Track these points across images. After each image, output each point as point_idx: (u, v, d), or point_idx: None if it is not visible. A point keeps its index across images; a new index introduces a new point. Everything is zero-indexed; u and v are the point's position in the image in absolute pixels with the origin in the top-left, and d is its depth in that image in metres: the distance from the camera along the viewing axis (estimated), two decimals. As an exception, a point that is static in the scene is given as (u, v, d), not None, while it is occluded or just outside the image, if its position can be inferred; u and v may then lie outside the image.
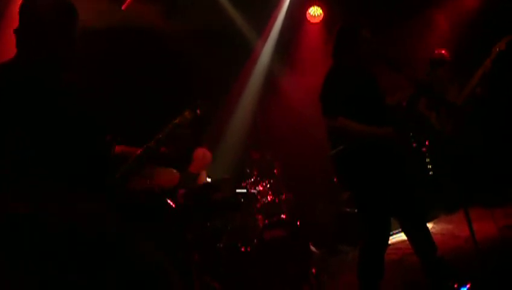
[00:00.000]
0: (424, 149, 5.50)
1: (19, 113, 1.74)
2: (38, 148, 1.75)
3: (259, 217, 4.35)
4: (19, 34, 1.86)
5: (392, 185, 2.84)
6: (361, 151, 2.79)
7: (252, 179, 4.54)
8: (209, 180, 4.90)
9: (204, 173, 5.05)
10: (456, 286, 2.78)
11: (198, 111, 2.25)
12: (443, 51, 5.13)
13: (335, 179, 3.22)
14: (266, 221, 4.23)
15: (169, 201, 4.25)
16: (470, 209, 2.91)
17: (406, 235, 3.02)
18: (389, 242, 4.79)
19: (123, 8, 4.99)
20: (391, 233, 5.05)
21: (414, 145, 5.31)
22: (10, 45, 1.88)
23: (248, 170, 4.66)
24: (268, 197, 4.44)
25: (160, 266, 1.88)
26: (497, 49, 3.63)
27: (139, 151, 2.10)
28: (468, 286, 2.76)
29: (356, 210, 3.09)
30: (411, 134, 5.20)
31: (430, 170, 5.60)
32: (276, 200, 4.43)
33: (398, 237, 5.02)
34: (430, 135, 5.03)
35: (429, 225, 4.49)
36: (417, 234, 2.95)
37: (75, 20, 1.90)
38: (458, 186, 3.89)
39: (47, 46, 1.84)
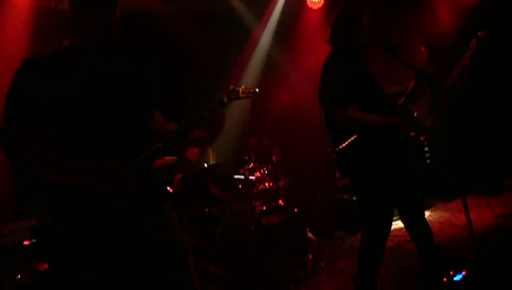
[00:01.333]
0: (422, 138, 5.52)
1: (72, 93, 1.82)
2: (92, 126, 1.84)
3: (257, 203, 4.36)
4: (69, 22, 1.94)
5: (395, 175, 2.84)
6: (371, 142, 2.76)
7: (250, 166, 4.53)
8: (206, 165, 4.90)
9: (211, 153, 5.08)
10: (451, 273, 2.81)
11: (240, 93, 2.23)
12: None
13: (337, 174, 3.18)
14: (264, 207, 4.24)
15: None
16: (467, 197, 2.93)
17: (403, 222, 3.04)
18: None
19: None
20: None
21: (412, 134, 5.31)
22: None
23: (246, 157, 4.65)
24: (266, 183, 4.44)
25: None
26: (475, 43, 3.60)
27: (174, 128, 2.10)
28: (463, 273, 2.78)
29: (358, 200, 3.08)
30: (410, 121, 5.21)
31: (428, 158, 5.62)
32: (274, 187, 4.44)
33: (394, 224, 5.05)
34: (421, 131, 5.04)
35: (426, 213, 4.51)
36: (414, 221, 2.97)
37: (117, 3, 1.98)
38: (455, 175, 3.91)
39: (97, 30, 1.93)
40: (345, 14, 3.03)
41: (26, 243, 3.46)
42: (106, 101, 1.89)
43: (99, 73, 1.93)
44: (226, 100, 2.17)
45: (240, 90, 2.24)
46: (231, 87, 2.26)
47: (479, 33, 3.32)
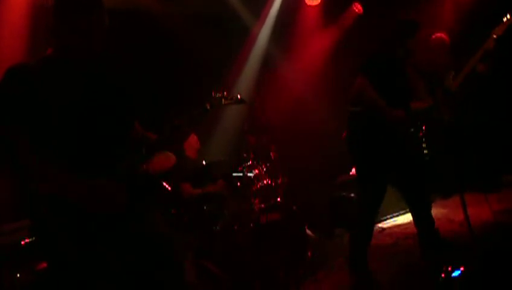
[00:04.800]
0: (420, 134, 5.51)
1: (59, 100, 1.83)
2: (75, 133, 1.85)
3: (256, 200, 4.36)
4: (54, 30, 1.95)
5: (399, 160, 3.24)
6: (377, 127, 3.14)
7: (249, 163, 4.53)
8: (204, 163, 4.91)
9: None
10: (449, 269, 2.82)
11: (223, 101, 2.28)
12: (443, 35, 5.09)
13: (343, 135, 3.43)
14: (262, 205, 4.25)
15: (164, 184, 4.26)
16: (465, 194, 2.94)
17: (408, 206, 3.43)
18: (384, 226, 4.88)
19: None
20: (385, 218, 5.12)
21: (411, 130, 5.31)
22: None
23: (245, 154, 4.65)
24: (265, 181, 4.44)
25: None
26: (494, 35, 3.62)
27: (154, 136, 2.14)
28: (461, 269, 2.79)
29: (360, 181, 3.39)
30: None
31: (426, 155, 5.61)
32: (273, 184, 4.44)
33: (393, 221, 5.07)
34: (428, 121, 5.05)
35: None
36: (417, 205, 3.34)
37: (103, 12, 2.00)
38: (454, 172, 3.92)
39: (77, 38, 1.92)
40: (406, 25, 3.42)
41: (24, 242, 3.47)
42: (88, 110, 1.90)
43: (82, 83, 1.93)
44: (208, 108, 2.26)
45: (223, 99, 2.34)
46: (213, 95, 2.36)
47: (505, 18, 3.38)
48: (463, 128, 4.44)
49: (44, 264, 3.20)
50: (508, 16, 3.42)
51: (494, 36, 3.53)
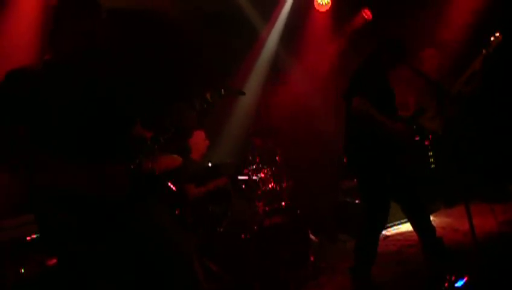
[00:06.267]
0: (426, 142, 5.50)
1: (55, 101, 1.87)
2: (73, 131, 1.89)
3: (260, 204, 4.37)
4: (52, 33, 2.00)
5: (394, 171, 3.27)
6: (376, 139, 3.18)
7: (254, 166, 4.54)
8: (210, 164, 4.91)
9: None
10: (453, 278, 2.81)
11: (222, 91, 2.27)
12: (433, 50, 5.14)
13: (344, 159, 3.46)
14: (266, 208, 4.25)
15: (170, 184, 4.27)
16: (470, 203, 2.94)
17: (407, 216, 3.48)
18: (388, 234, 4.87)
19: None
20: (390, 225, 5.10)
21: (417, 138, 5.31)
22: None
23: (250, 157, 4.66)
24: (270, 184, 4.45)
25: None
26: (484, 51, 3.63)
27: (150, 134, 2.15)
28: (465, 279, 2.79)
29: (361, 191, 3.45)
30: (414, 127, 5.20)
31: (431, 163, 5.60)
32: (277, 188, 4.45)
33: (397, 229, 5.05)
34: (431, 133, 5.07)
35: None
36: (415, 216, 3.39)
37: (99, 14, 2.00)
38: (459, 181, 3.91)
39: (74, 41, 1.95)
40: (397, 44, 3.43)
41: (29, 237, 3.49)
42: (85, 111, 1.93)
43: (79, 87, 1.96)
44: (209, 98, 2.28)
45: (222, 90, 2.35)
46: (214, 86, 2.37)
47: (491, 39, 3.39)
48: (453, 138, 4.45)
49: (49, 260, 3.23)
50: (497, 34, 3.43)
51: (483, 53, 3.54)
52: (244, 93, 2.42)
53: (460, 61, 4.63)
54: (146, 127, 2.22)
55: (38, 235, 3.41)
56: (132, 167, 1.98)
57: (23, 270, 3.41)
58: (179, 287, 2.02)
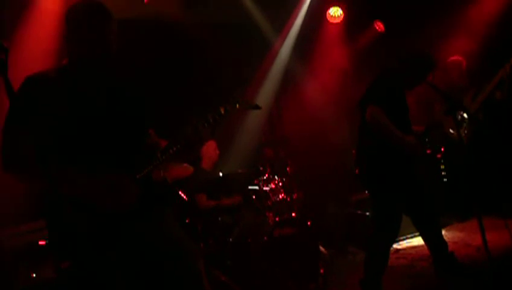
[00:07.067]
0: (439, 156, 5.47)
1: (73, 107, 1.91)
2: (88, 138, 1.91)
3: (270, 214, 4.36)
4: (66, 40, 2.02)
5: (407, 184, 3.24)
6: (389, 152, 3.15)
7: (265, 177, 4.55)
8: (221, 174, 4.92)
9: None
10: (465, 294, 2.78)
11: (237, 105, 2.26)
12: (459, 58, 5.11)
13: (356, 171, 3.44)
14: (277, 218, 4.24)
15: (181, 193, 4.29)
16: (484, 218, 2.89)
17: (418, 230, 3.44)
18: (399, 247, 4.82)
19: (146, 1, 5.02)
20: (401, 238, 5.05)
21: (429, 151, 5.28)
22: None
23: (261, 167, 4.67)
24: (280, 195, 4.44)
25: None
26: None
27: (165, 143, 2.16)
28: (477, 294, 2.75)
29: (372, 203, 3.44)
30: (426, 140, 5.17)
31: (444, 176, 5.55)
32: (288, 199, 4.44)
33: (408, 242, 5.00)
34: (445, 143, 5.04)
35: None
36: (427, 229, 3.36)
37: (109, 20, 2.02)
38: (472, 194, 3.87)
39: (88, 47, 1.97)
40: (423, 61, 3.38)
41: (42, 242, 3.53)
42: (101, 117, 1.95)
43: (96, 90, 1.99)
44: (223, 112, 2.24)
45: (237, 104, 2.30)
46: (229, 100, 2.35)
47: None
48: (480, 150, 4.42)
49: (60, 265, 3.25)
50: None
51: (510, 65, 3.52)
52: (260, 108, 2.39)
53: (487, 67, 4.61)
54: (161, 136, 2.23)
55: (48, 240, 3.45)
56: (143, 175, 1.99)
57: (34, 275, 3.44)
58: None
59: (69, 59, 2.03)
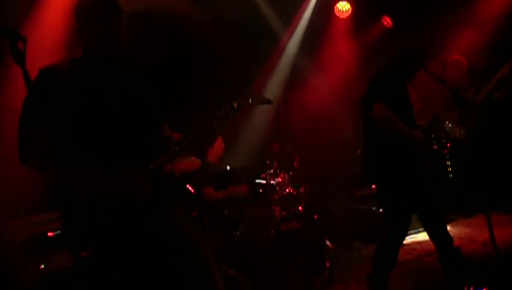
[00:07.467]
0: (445, 151, 5.46)
1: (85, 99, 1.93)
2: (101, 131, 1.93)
3: (277, 208, 4.39)
4: (78, 33, 2.03)
5: (412, 179, 3.22)
6: (395, 149, 3.16)
7: (272, 171, 4.56)
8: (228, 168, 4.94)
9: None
10: (471, 289, 2.79)
11: (250, 100, 2.26)
12: (460, 57, 5.11)
13: (362, 167, 3.44)
14: (283, 212, 4.27)
15: (188, 186, 4.32)
16: (490, 214, 2.89)
17: (424, 226, 3.42)
18: (405, 242, 4.83)
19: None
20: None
21: (435, 147, 5.27)
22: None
23: (268, 161, 4.68)
24: (287, 189, 4.46)
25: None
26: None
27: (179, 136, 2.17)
28: (484, 289, 2.76)
29: (379, 202, 3.32)
30: (432, 136, 5.17)
31: (450, 172, 5.55)
32: (294, 193, 4.46)
33: (414, 237, 5.01)
34: (451, 139, 5.05)
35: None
36: (432, 226, 3.34)
37: (118, 14, 2.03)
38: (479, 190, 3.87)
39: (97, 41, 1.98)
40: (409, 54, 3.40)
41: (50, 234, 3.57)
42: (112, 110, 1.97)
43: (106, 83, 2.00)
44: (236, 106, 2.22)
45: (250, 98, 2.28)
46: (241, 94, 2.34)
47: None
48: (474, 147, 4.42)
49: (70, 257, 3.29)
50: None
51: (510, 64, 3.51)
52: (271, 102, 2.39)
53: (488, 67, 4.59)
54: (174, 130, 2.24)
55: (59, 232, 3.49)
56: (156, 166, 2.01)
57: (43, 266, 3.48)
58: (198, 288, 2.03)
59: (83, 51, 2.05)
